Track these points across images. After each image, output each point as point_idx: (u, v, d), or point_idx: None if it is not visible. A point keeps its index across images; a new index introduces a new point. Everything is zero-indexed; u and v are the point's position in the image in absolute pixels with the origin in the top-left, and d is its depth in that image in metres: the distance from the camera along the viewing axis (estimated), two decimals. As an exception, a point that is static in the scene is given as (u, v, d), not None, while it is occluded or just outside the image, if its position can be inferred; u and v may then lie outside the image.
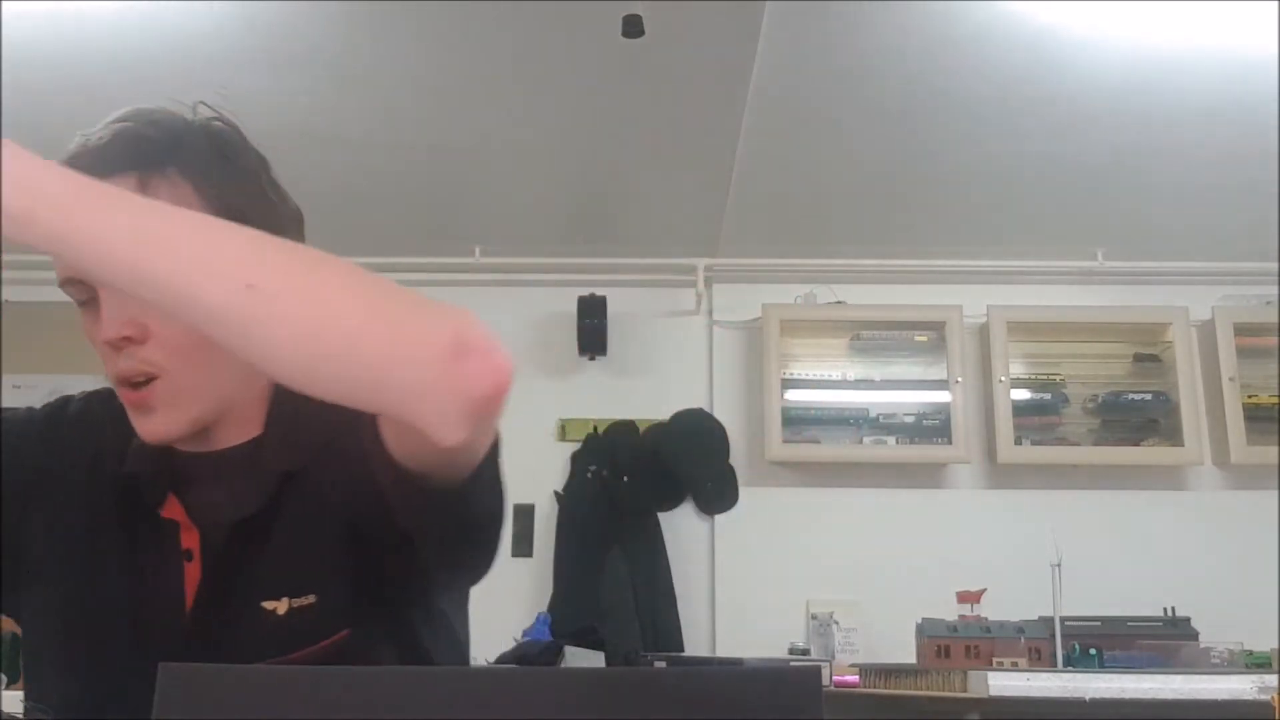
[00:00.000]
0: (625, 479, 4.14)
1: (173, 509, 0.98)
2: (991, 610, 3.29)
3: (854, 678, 3.13)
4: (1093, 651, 3.26)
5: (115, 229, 0.68)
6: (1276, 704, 2.43)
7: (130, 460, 0.98)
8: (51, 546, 0.98)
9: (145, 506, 0.97)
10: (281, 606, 0.93)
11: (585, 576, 3.98)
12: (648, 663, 3.46)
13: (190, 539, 0.97)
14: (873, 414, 4.16)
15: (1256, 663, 3.02)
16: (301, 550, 0.94)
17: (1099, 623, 3.47)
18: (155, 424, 0.93)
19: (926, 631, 3.17)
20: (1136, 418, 4.16)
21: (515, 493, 4.52)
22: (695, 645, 4.02)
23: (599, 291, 4.29)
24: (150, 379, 0.92)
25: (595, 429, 4.24)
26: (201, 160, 0.96)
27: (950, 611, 3.29)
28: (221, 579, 0.95)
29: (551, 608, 3.94)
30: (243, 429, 1.00)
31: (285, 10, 2.78)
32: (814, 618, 4.00)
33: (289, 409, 0.99)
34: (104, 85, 3.08)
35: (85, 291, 0.92)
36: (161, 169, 0.94)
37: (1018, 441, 4.08)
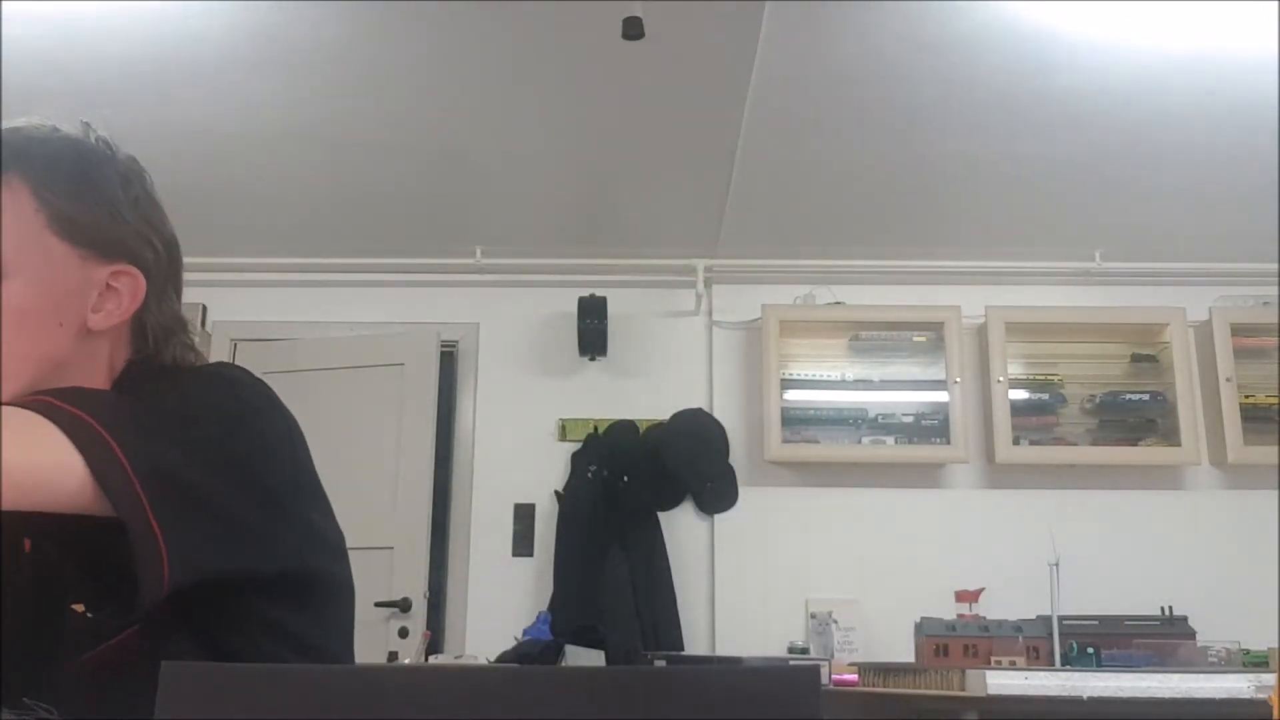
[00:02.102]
0: (625, 479, 4.15)
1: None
2: (990, 609, 3.30)
3: (853, 676, 3.14)
4: (1090, 650, 3.27)
5: None
6: (1274, 702, 2.44)
7: None
8: None
9: None
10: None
11: (585, 576, 3.99)
12: (647, 661, 3.47)
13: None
14: (871, 414, 4.17)
15: (1254, 661, 3.04)
16: (86, 556, 0.98)
17: (1097, 622, 3.49)
18: None
19: (925, 630, 3.18)
20: (1134, 418, 4.17)
21: (516, 492, 4.54)
22: (695, 644, 4.03)
23: (599, 292, 4.30)
24: None
25: (595, 429, 4.25)
26: (47, 171, 1.00)
27: (949, 610, 3.30)
28: (47, 581, 0.99)
29: (552, 606, 3.95)
30: None
31: (287, 13, 2.79)
32: (813, 617, 4.01)
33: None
34: (105, 86, 3.09)
35: None
36: (4, 172, 0.99)
37: (1016, 441, 4.09)
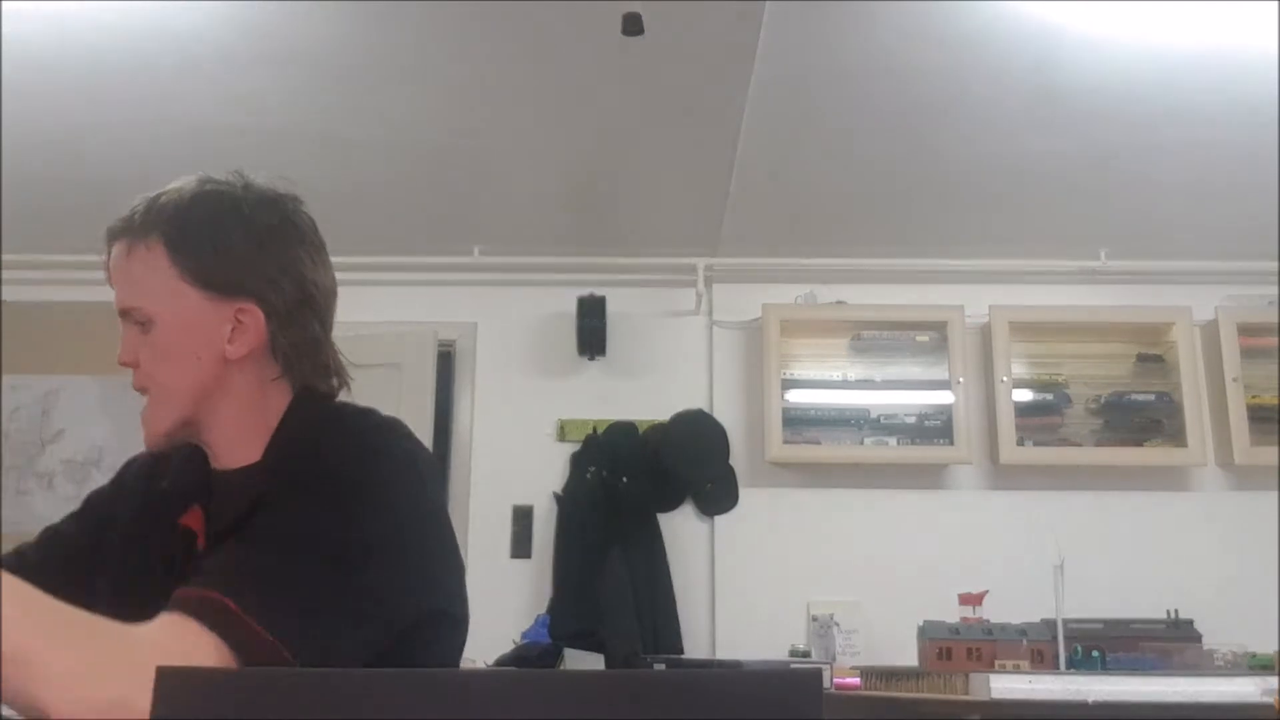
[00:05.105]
0: (625, 480, 4.13)
1: (192, 518, 1.21)
2: (993, 612, 3.27)
3: (855, 680, 3.12)
4: (1095, 654, 3.25)
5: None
6: (1280, 706, 2.42)
7: (168, 479, 1.27)
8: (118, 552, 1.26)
9: (170, 517, 1.22)
10: None
11: (585, 578, 3.97)
12: (647, 665, 3.46)
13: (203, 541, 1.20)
14: (874, 414, 4.16)
15: (1260, 665, 3.02)
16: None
17: (1102, 625, 3.47)
18: (147, 419, 1.23)
19: (928, 634, 3.15)
20: (1139, 418, 4.15)
21: (515, 494, 4.52)
22: (695, 647, 4.01)
23: (598, 291, 4.28)
24: (145, 390, 1.23)
25: (595, 430, 4.23)
26: (180, 231, 1.20)
27: (952, 613, 3.27)
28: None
29: (551, 609, 3.94)
30: (246, 453, 1.23)
31: (285, 11, 2.77)
32: (815, 619, 3.99)
33: (284, 439, 1.22)
34: (105, 86, 3.07)
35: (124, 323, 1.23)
36: (145, 236, 1.20)
37: (1020, 442, 4.07)
